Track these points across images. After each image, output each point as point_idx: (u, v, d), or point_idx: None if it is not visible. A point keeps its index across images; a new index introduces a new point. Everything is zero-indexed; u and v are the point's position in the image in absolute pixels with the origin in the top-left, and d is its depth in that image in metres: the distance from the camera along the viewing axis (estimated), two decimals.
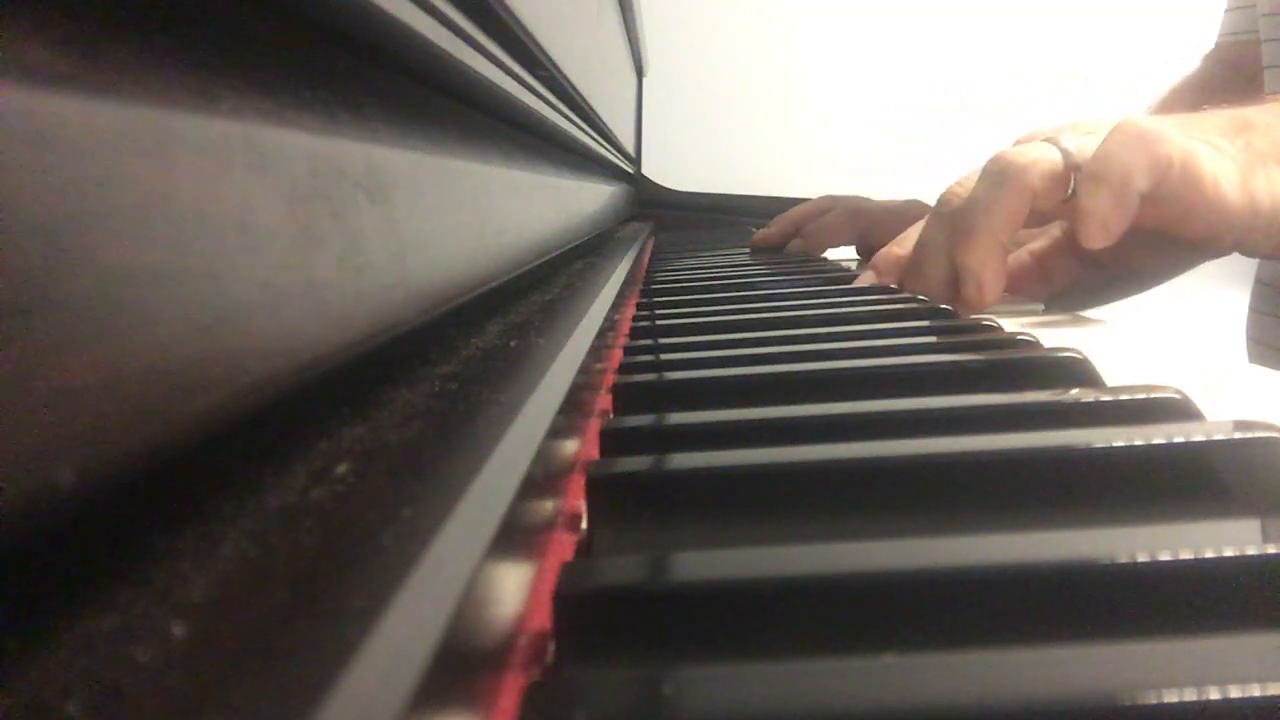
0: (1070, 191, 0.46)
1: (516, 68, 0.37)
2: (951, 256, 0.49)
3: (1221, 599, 0.15)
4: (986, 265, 0.48)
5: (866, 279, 0.58)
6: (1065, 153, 0.47)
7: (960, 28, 1.74)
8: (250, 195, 0.13)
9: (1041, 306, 0.56)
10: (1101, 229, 0.44)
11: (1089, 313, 0.54)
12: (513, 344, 0.25)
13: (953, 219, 0.50)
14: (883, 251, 0.59)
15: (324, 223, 0.16)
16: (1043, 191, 0.47)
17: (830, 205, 0.87)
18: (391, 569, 0.11)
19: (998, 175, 0.47)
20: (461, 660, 0.11)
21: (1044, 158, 0.47)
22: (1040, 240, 0.56)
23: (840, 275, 0.61)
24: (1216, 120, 0.50)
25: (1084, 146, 0.46)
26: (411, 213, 0.21)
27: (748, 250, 0.88)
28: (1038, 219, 0.50)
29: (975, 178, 0.50)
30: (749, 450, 0.22)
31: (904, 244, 0.58)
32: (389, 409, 0.18)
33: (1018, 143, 0.57)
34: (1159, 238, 0.49)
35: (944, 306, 0.43)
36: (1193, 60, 0.83)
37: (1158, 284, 0.60)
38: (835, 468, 0.20)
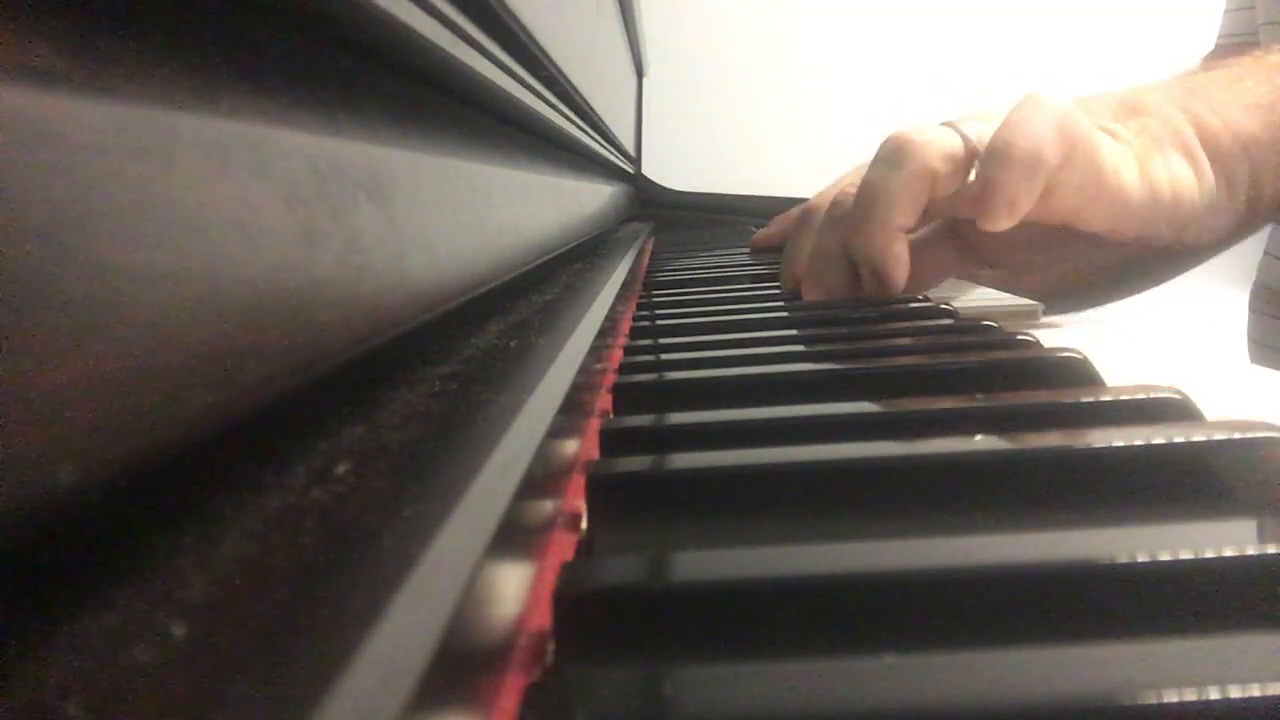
0: (970, 178, 0.43)
1: (516, 68, 0.37)
2: (849, 253, 0.45)
3: (1221, 599, 0.15)
4: (887, 253, 0.44)
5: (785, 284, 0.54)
6: (964, 137, 0.43)
7: (962, 28, 1.74)
8: (250, 195, 0.13)
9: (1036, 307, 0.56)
10: (1007, 207, 0.41)
11: (1087, 313, 0.54)
12: (513, 344, 0.25)
13: (848, 214, 0.45)
14: (758, 234, 0.55)
15: (324, 223, 0.16)
16: (942, 175, 0.42)
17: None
18: (391, 569, 0.11)
19: (894, 155, 0.43)
20: (461, 660, 0.11)
21: (944, 138, 0.43)
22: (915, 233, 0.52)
23: None
24: (1107, 103, 0.48)
25: (983, 133, 0.43)
26: (411, 213, 0.21)
27: (748, 251, 0.88)
28: (931, 210, 0.45)
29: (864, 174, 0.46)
30: (749, 450, 0.22)
31: (777, 222, 0.53)
32: (389, 409, 0.18)
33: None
34: (1057, 232, 0.46)
35: (944, 306, 0.43)
36: (1192, 61, 0.83)
37: (1152, 285, 0.59)
38: (835, 468, 0.20)
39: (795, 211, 0.88)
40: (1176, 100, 0.48)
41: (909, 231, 0.46)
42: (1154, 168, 0.45)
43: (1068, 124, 0.41)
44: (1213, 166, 0.47)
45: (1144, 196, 0.44)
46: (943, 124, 0.44)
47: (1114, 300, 0.59)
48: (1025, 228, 0.42)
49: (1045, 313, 0.54)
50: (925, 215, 0.46)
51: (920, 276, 0.52)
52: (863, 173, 0.46)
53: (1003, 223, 0.41)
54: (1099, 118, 0.46)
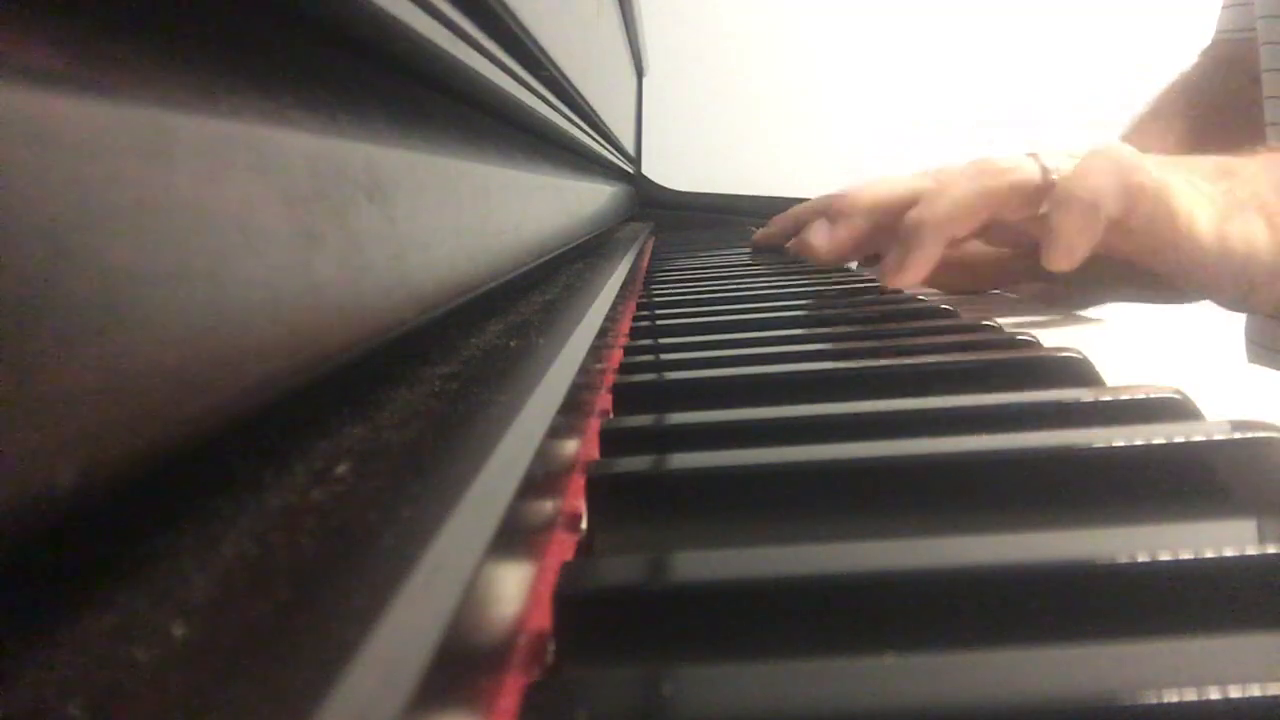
0: (1042, 210, 0.46)
1: (516, 68, 0.37)
2: (897, 227, 0.49)
3: (1221, 599, 0.15)
4: (922, 246, 0.47)
5: (817, 232, 0.56)
6: (1044, 170, 0.46)
7: (962, 28, 1.74)
8: (250, 195, 0.13)
9: (1039, 306, 0.56)
10: (1066, 252, 0.44)
11: (1088, 312, 0.54)
12: (513, 344, 0.25)
13: (924, 192, 0.49)
14: (840, 198, 0.58)
15: (324, 223, 0.16)
16: (1010, 202, 0.46)
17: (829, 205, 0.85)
18: (391, 569, 0.11)
19: (974, 171, 0.47)
20: (461, 660, 0.11)
21: (1023, 169, 0.47)
22: (1003, 250, 0.56)
23: (840, 275, 0.61)
24: (1202, 164, 0.50)
25: (1064, 169, 0.46)
26: (411, 213, 0.21)
27: (747, 250, 0.87)
28: (1003, 232, 0.49)
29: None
30: (749, 450, 0.22)
31: (778, 222, 0.56)
32: (389, 409, 0.18)
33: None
34: (1128, 269, 0.48)
35: (944, 306, 0.43)
36: (1190, 57, 0.83)
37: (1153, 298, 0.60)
38: (835, 468, 0.20)
39: (797, 211, 0.88)
40: (1272, 171, 0.50)
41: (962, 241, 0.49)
42: (1231, 226, 0.47)
43: (1133, 179, 0.44)
44: None
45: (1215, 250, 0.46)
46: (1029, 153, 0.48)
47: (1111, 301, 0.60)
48: (1096, 261, 0.45)
49: (1043, 309, 0.55)
50: (989, 232, 0.49)
51: (993, 276, 0.56)
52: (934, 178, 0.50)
53: (1063, 266, 0.45)
54: (1191, 173, 0.48)
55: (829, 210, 0.57)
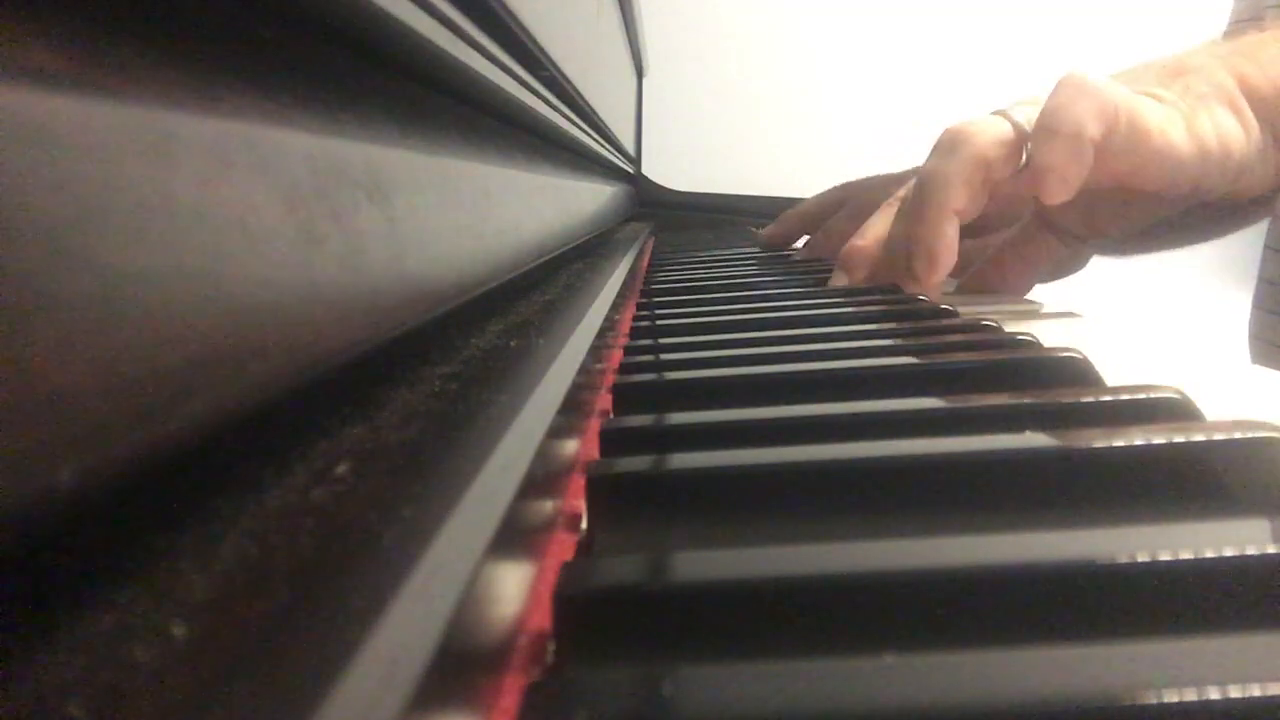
0: (1024, 161, 0.47)
1: (516, 68, 0.37)
2: (905, 238, 0.49)
3: (1221, 599, 0.15)
4: (939, 235, 0.47)
5: (837, 280, 0.56)
6: (1015, 124, 0.47)
7: (962, 27, 1.74)
8: (250, 195, 0.13)
9: (1037, 306, 0.56)
10: (1060, 182, 0.45)
11: (1085, 310, 0.54)
12: (513, 344, 0.25)
13: (908, 203, 0.50)
14: (848, 247, 0.57)
15: (324, 223, 0.16)
16: (996, 159, 0.47)
17: (842, 198, 0.83)
18: (391, 569, 0.11)
19: (949, 145, 0.48)
20: (461, 660, 0.11)
21: (995, 126, 0.47)
22: (1011, 232, 0.56)
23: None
24: (1152, 70, 0.51)
25: (1032, 116, 0.47)
26: (411, 213, 0.21)
27: (747, 250, 0.87)
28: (993, 199, 0.49)
29: None
30: (749, 450, 0.22)
31: (866, 235, 0.56)
32: (389, 409, 0.18)
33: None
34: (1122, 194, 0.49)
35: (944, 307, 0.43)
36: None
37: (1227, 231, 0.61)
38: (835, 468, 0.20)
39: (806, 207, 0.87)
40: (1222, 59, 0.51)
41: (988, 225, 0.50)
42: (1200, 124, 0.47)
43: (1105, 98, 0.45)
44: (1257, 116, 0.49)
45: (1194, 152, 0.47)
46: (994, 113, 0.48)
47: (1185, 245, 0.61)
48: (1087, 194, 0.46)
49: (1115, 252, 0.57)
50: (992, 203, 0.49)
51: (1033, 265, 0.56)
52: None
53: (1060, 197, 0.45)
54: (1144, 84, 0.48)
55: (841, 261, 0.57)
